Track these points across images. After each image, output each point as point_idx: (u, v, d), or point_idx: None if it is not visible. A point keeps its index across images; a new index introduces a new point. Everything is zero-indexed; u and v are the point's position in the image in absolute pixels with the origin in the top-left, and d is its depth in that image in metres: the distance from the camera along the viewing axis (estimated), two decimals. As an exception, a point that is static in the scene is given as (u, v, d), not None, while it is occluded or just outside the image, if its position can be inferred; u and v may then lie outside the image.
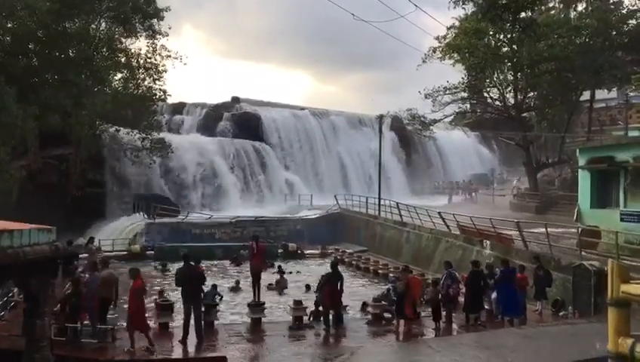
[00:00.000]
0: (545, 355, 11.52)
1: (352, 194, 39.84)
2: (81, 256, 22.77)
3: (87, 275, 15.39)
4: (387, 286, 17.69)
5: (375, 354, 12.10)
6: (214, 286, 16.62)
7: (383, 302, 15.93)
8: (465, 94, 43.98)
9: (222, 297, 17.18)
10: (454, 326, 15.12)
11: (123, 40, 31.79)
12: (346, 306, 16.05)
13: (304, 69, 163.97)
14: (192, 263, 14.25)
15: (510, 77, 42.94)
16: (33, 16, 21.23)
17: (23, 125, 22.19)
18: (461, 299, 16.37)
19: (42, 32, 24.36)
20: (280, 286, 20.83)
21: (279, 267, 24.50)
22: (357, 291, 20.74)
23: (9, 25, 22.52)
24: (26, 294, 9.62)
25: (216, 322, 14.65)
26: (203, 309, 13.74)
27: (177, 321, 14.21)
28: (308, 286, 20.35)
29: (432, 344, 12.94)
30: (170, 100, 41.30)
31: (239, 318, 16.27)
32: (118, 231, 33.13)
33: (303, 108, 60.15)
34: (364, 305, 17.00)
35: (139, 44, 34.42)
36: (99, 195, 38.17)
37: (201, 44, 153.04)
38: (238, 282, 20.89)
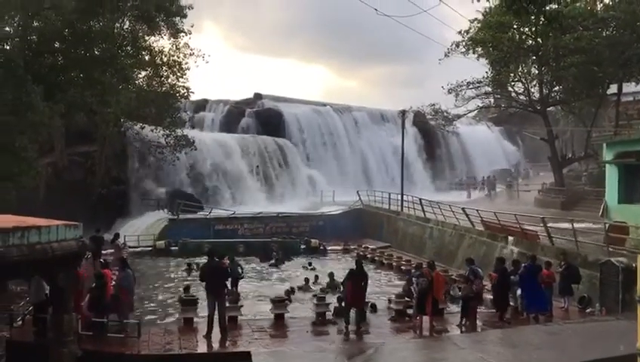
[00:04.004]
0: (571, 352, 11.37)
1: (375, 189, 39.70)
2: (105, 251, 23.15)
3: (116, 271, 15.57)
4: (408, 277, 17.65)
5: (399, 351, 12.07)
6: (233, 259, 17.36)
7: (407, 299, 15.85)
8: (489, 88, 43.54)
9: (243, 270, 18.16)
10: (478, 322, 14.99)
11: (147, 38, 32.11)
12: (369, 302, 16.01)
13: (324, 64, 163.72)
14: (216, 258, 14.42)
15: (535, 70, 42.37)
16: (59, 15, 21.47)
17: (50, 123, 22.53)
18: (486, 296, 16.25)
19: (68, 31, 24.65)
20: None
21: (310, 263, 24.64)
22: (380, 287, 20.70)
23: (35, 24, 22.83)
24: (53, 289, 9.79)
25: (240, 317, 14.74)
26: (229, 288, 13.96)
27: (201, 316, 14.32)
28: (317, 277, 20.60)
29: (457, 340, 12.88)
30: (192, 97, 41.58)
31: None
32: (142, 228, 33.52)
33: (324, 104, 60.14)
34: (390, 301, 16.97)
35: (162, 42, 34.74)
36: (123, 192, 38.66)
37: (221, 40, 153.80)
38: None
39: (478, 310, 15.43)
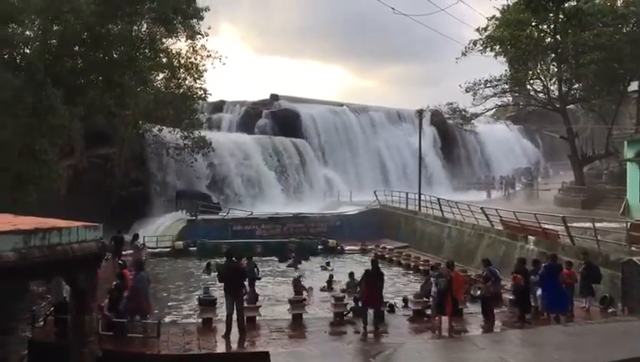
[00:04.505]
0: (592, 353, 11.20)
1: (392, 189, 39.59)
2: (125, 252, 23.39)
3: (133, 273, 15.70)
4: (426, 277, 17.56)
5: (418, 351, 12.00)
6: (250, 258, 17.86)
7: (425, 299, 15.77)
8: (507, 87, 43.15)
9: (259, 271, 18.63)
10: (498, 323, 14.86)
11: (164, 40, 32.33)
12: (387, 302, 15.95)
13: (341, 64, 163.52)
14: (234, 259, 14.48)
15: (554, 68, 41.90)
16: (78, 18, 21.74)
17: (70, 126, 22.81)
18: (505, 296, 16.11)
19: (87, 34, 24.95)
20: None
21: (327, 264, 24.66)
22: (398, 287, 20.62)
23: (55, 28, 23.12)
24: (73, 290, 9.89)
25: (258, 317, 14.78)
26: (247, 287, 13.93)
27: (220, 317, 14.38)
28: (331, 276, 20.55)
29: (476, 341, 12.76)
30: (210, 98, 41.77)
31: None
32: (161, 229, 33.79)
33: (341, 105, 60.09)
34: (405, 300, 16.88)
35: (179, 45, 34.96)
36: (142, 193, 38.99)
37: (238, 41, 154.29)
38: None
39: (498, 311, 15.30)
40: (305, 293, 17.88)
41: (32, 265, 8.31)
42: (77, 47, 25.71)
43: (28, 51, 23.47)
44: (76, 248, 9.11)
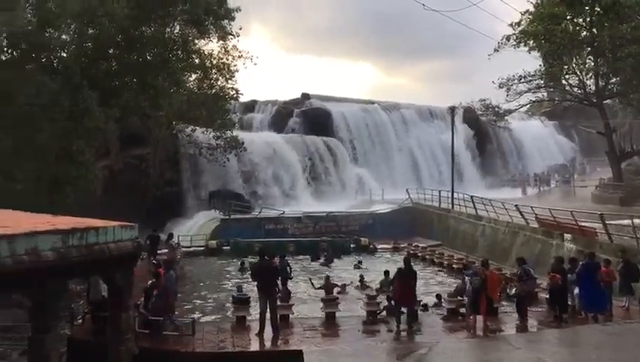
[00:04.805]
0: (631, 352, 10.92)
1: (424, 187, 39.27)
2: (160, 251, 23.74)
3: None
4: (461, 276, 17.36)
5: (453, 351, 11.88)
6: (283, 257, 18.15)
7: (459, 297, 15.59)
8: (541, 82, 42.30)
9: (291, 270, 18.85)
10: (534, 322, 14.59)
11: (196, 42, 32.69)
12: (420, 301, 15.84)
13: (371, 61, 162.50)
14: (267, 258, 14.57)
15: (590, 62, 40.89)
16: (112, 22, 22.15)
17: (105, 128, 23.27)
18: (541, 296, 15.82)
19: (121, 37, 25.39)
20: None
21: (360, 262, 24.64)
22: (432, 286, 20.45)
23: (90, 31, 23.60)
24: (110, 288, 10.08)
25: (291, 316, 14.83)
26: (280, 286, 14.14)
27: (254, 315, 14.48)
28: (362, 277, 20.37)
29: (512, 340, 12.57)
30: (241, 98, 42.11)
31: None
32: (195, 228, 34.23)
33: (372, 102, 59.89)
34: (439, 297, 16.74)
35: (211, 46, 35.30)
36: (176, 193, 39.54)
37: (268, 41, 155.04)
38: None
39: (533, 310, 15.03)
40: (336, 290, 17.88)
41: (70, 264, 8.48)
42: (112, 50, 26.19)
43: (64, 55, 24.00)
44: (113, 247, 9.26)
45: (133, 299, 12.87)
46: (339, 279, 20.87)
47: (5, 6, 19.41)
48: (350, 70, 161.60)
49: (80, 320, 13.96)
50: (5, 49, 22.32)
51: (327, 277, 19.03)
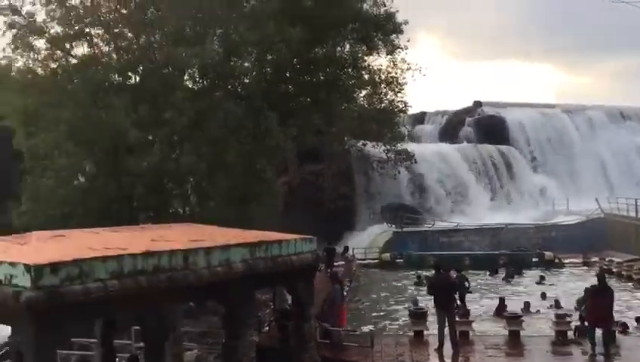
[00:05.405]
0: None
1: (617, 196, 35.56)
2: (336, 263, 24.42)
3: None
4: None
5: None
6: (461, 275, 17.16)
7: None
8: None
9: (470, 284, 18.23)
10: None
11: (365, 58, 33.33)
12: (618, 322, 14.24)
13: (551, 61, 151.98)
14: (442, 271, 14.19)
15: None
16: (289, 47, 23.48)
17: (284, 146, 24.59)
18: None
19: (296, 60, 26.83)
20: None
21: (542, 278, 23.12)
22: (631, 305, 18.34)
23: (269, 57, 25.25)
24: (294, 298, 10.55)
25: (471, 333, 14.25)
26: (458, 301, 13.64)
27: (431, 330, 14.17)
28: (557, 302, 18.51)
29: None
30: (410, 110, 41.95)
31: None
32: (368, 241, 34.72)
33: (552, 106, 56.10)
34: (638, 320, 14.94)
35: (380, 60, 35.70)
36: (349, 206, 40.52)
37: (436, 49, 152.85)
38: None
39: None
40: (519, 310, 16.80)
41: (257, 275, 9.04)
42: (288, 73, 27.74)
43: (247, 81, 25.94)
44: (294, 259, 9.71)
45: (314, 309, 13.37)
46: (517, 297, 19.71)
47: (197, 41, 21.55)
48: (526, 73, 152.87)
49: (266, 328, 14.77)
50: (197, 79, 24.79)
51: (502, 300, 18.01)
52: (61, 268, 6.41)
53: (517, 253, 28.30)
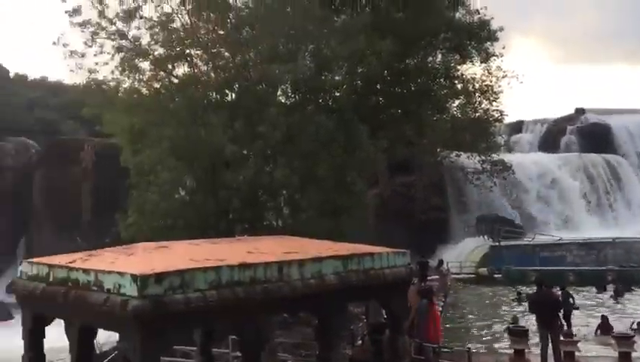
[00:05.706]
0: None
1: None
2: (430, 277, 23.86)
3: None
4: None
5: None
6: (565, 291, 16.29)
7: None
8: None
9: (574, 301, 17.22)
10: None
11: (458, 67, 32.61)
12: None
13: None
14: (545, 288, 13.50)
15: None
16: (379, 59, 23.44)
17: (375, 158, 24.49)
18: None
19: (387, 72, 26.71)
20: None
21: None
22: None
23: (359, 70, 25.31)
24: (387, 312, 10.40)
25: (577, 354, 13.41)
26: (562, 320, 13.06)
27: (532, 349, 13.49)
28: None
29: None
30: (507, 119, 40.48)
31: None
32: (463, 254, 33.77)
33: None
34: None
35: (474, 69, 34.79)
36: (442, 218, 39.65)
37: (533, 54, 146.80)
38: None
39: None
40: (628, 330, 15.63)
41: (349, 288, 9.00)
42: (378, 85, 27.66)
43: (338, 94, 26.14)
44: (387, 273, 9.58)
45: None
46: (629, 316, 18.31)
47: (289, 58, 22.04)
48: (632, 77, 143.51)
49: (359, 342, 14.67)
50: (289, 95, 25.32)
51: (605, 318, 16.82)
52: (165, 278, 6.68)
53: (626, 269, 26.51)
